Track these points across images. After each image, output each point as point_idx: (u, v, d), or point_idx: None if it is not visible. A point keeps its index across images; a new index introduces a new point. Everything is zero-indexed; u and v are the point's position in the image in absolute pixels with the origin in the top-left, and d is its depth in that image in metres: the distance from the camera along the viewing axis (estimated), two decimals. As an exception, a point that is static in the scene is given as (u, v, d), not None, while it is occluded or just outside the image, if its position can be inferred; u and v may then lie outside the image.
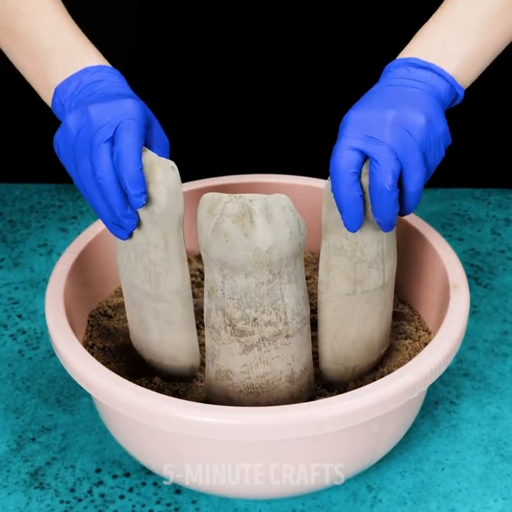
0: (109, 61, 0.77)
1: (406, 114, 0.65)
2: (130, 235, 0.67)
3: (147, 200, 0.64)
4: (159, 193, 0.64)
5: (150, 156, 0.64)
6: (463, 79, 0.71)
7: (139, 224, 0.66)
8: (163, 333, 0.70)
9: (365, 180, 0.64)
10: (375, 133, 0.64)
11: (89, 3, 0.99)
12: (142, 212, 0.65)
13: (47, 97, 0.76)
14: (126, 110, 0.67)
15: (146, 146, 0.66)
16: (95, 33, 0.88)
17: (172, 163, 0.65)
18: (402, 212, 0.67)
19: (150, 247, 0.66)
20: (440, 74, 0.69)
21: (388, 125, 0.65)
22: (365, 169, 0.64)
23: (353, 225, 0.65)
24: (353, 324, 0.70)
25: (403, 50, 0.72)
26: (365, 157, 0.65)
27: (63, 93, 0.73)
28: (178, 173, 0.65)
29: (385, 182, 0.63)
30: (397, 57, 0.72)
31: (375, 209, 0.64)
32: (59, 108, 0.74)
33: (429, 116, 0.66)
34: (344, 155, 0.64)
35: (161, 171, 0.64)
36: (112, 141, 0.65)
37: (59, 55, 0.74)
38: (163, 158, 0.64)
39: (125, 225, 0.66)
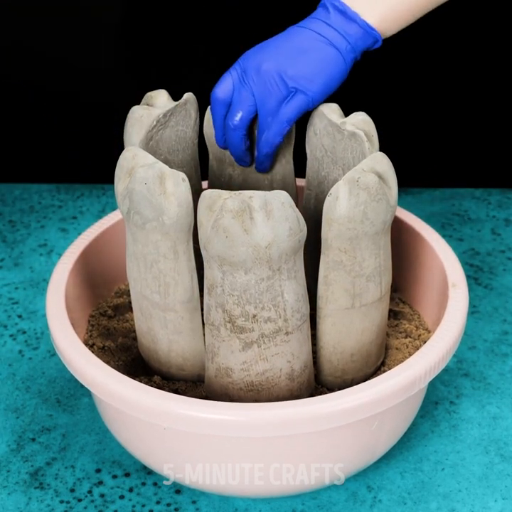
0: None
1: (283, 65, 0.70)
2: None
3: (158, 211, 0.64)
4: (170, 204, 0.64)
5: (161, 168, 0.64)
6: (386, 25, 0.72)
7: (149, 234, 0.66)
8: (172, 343, 0.70)
9: None
10: (248, 74, 0.72)
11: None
12: (153, 223, 0.65)
13: None
14: None
15: None
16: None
17: (183, 175, 0.65)
18: (257, 155, 0.75)
19: (160, 258, 0.67)
20: (352, 19, 0.71)
21: (259, 71, 0.71)
22: None
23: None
24: (351, 337, 0.70)
25: None
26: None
27: None
28: (188, 184, 0.65)
29: (230, 121, 0.72)
30: None
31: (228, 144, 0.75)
32: None
33: (304, 76, 0.70)
34: (222, 83, 0.74)
35: (172, 183, 0.64)
36: None
37: None
38: (174, 170, 0.65)
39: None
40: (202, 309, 0.69)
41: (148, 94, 0.74)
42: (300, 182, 0.85)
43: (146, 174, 0.64)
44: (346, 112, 0.74)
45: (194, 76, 1.09)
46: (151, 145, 0.72)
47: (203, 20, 1.06)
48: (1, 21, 1.08)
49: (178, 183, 0.64)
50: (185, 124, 0.74)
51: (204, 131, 0.77)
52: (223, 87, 0.73)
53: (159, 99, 0.73)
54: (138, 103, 0.75)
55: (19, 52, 1.10)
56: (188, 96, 0.74)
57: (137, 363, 0.76)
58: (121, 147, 0.72)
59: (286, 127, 0.71)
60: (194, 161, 0.77)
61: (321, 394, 0.72)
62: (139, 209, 0.65)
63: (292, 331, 0.66)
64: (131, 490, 0.73)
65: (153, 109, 0.72)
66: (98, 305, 0.83)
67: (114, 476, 0.74)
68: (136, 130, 0.71)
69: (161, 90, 0.74)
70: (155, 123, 0.71)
